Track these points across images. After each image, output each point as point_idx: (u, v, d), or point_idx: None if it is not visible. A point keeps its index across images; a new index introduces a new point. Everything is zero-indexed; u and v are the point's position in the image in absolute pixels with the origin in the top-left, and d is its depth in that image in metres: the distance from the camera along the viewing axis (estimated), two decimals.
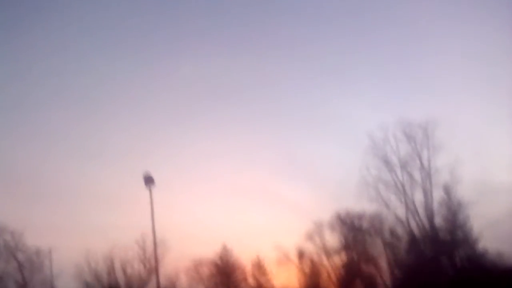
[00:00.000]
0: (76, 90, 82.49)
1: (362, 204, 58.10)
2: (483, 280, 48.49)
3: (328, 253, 62.57)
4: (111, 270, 59.39)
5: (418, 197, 54.45)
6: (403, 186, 54.40)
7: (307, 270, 64.21)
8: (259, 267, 68.31)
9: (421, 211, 54.57)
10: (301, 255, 63.11)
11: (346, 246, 62.08)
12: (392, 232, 59.37)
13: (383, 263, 61.36)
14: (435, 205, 54.65)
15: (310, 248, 62.86)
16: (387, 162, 54.31)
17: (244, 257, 68.74)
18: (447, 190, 54.37)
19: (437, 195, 54.53)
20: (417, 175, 54.11)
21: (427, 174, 53.59)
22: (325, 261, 63.25)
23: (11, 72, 77.33)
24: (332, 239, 62.49)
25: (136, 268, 59.67)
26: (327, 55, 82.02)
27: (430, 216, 54.44)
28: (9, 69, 76.98)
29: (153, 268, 56.05)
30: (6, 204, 59.19)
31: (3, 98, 76.82)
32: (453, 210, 55.56)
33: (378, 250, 61.50)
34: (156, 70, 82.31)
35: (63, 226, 64.58)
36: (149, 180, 41.03)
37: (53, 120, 78.66)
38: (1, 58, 77.86)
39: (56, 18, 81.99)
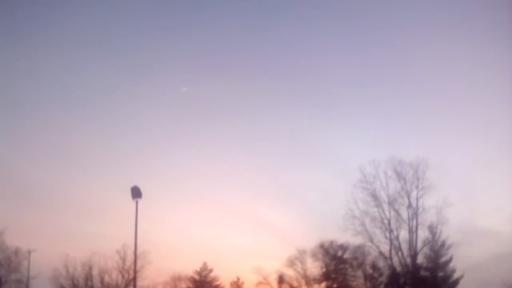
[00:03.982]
0: (74, 103, 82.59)
1: (346, 236, 58.27)
2: None
3: (308, 280, 62.33)
4: (88, 276, 58.90)
5: (403, 235, 54.74)
6: (389, 222, 54.59)
7: None
8: (237, 287, 68.27)
9: (404, 248, 54.79)
10: (281, 279, 62.67)
11: (327, 276, 61.79)
12: (374, 266, 59.33)
13: None
14: (419, 244, 54.86)
15: (290, 273, 62.59)
16: (375, 198, 54.58)
17: (224, 276, 68.94)
18: (432, 230, 54.62)
19: (422, 234, 54.86)
20: (404, 213, 54.41)
21: (414, 212, 53.84)
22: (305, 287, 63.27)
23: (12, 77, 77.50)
24: (314, 267, 62.36)
25: (114, 277, 59.21)
26: (323, 87, 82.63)
27: (413, 254, 54.58)
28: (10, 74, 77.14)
29: (131, 279, 55.82)
30: None
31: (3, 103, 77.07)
32: (436, 250, 55.78)
33: (359, 282, 61.45)
34: (151, 87, 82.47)
35: (47, 230, 64.54)
36: (136, 193, 40.83)
37: (50, 127, 79.10)
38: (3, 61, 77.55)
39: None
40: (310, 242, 62.56)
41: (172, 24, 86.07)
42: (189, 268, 68.91)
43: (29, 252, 56.02)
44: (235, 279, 68.23)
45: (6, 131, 74.95)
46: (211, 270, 68.00)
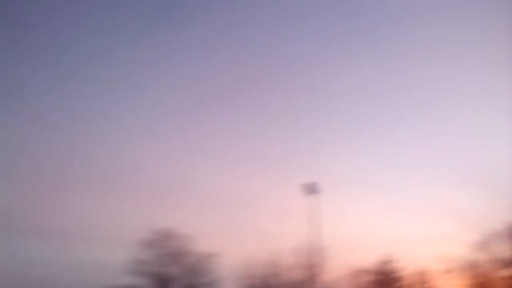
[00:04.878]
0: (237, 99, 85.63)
1: None
2: None
3: (500, 265, 57.93)
4: (271, 276, 60.11)
5: None
6: None
7: (476, 282, 60.01)
8: (422, 278, 65.27)
9: None
10: (470, 266, 59.07)
11: None
12: None
13: None
14: None
15: (479, 259, 58.93)
16: None
17: (407, 266, 66.38)
18: None
19: None
20: None
21: None
22: (496, 273, 58.78)
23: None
24: (505, 250, 57.86)
25: (296, 275, 59.80)
26: None
27: None
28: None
29: (313, 275, 56.13)
30: (180, 212, 65.70)
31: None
32: None
33: None
34: (315, 79, 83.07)
35: (226, 233, 67.40)
36: (312, 189, 41.04)
37: (220, 132, 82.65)
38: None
39: None
40: (498, 223, 58.26)
41: None
42: (370, 260, 67.59)
43: (218, 255, 58.72)
44: (419, 269, 65.51)
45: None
46: (392, 261, 65.88)
